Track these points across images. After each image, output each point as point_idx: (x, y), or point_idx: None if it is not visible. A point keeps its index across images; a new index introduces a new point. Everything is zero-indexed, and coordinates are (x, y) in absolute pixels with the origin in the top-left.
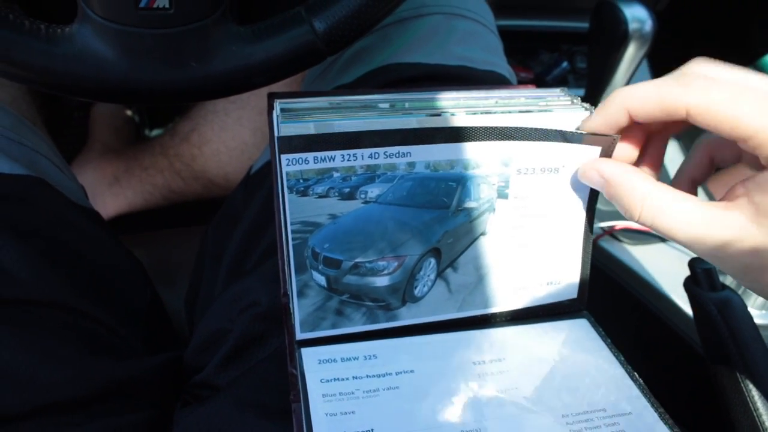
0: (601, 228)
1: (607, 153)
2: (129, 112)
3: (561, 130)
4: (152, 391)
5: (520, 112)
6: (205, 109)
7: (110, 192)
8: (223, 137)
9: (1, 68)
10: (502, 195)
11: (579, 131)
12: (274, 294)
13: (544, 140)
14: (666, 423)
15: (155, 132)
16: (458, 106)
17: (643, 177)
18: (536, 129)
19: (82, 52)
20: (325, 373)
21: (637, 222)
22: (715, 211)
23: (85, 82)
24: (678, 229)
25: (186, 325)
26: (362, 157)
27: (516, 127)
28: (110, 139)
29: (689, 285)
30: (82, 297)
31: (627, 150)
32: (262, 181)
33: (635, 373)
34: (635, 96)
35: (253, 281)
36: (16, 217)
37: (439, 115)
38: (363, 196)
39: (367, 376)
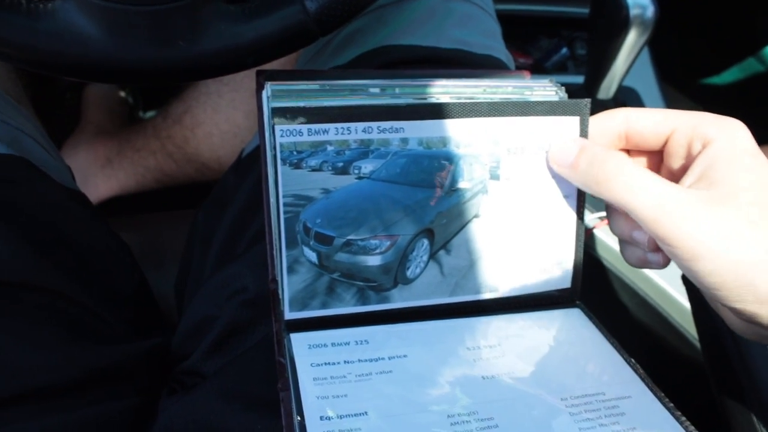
0: (598, 217)
1: (583, 122)
2: (122, 93)
3: (537, 101)
4: (137, 377)
5: (502, 100)
6: (198, 91)
7: (102, 174)
8: (216, 120)
9: None
10: (494, 176)
11: (553, 100)
12: (263, 280)
13: (525, 114)
14: (666, 406)
15: (149, 114)
16: (446, 93)
17: (619, 154)
18: (516, 102)
19: (65, 29)
20: (316, 357)
21: (600, 190)
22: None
23: (68, 59)
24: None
25: (175, 309)
26: (356, 131)
27: (499, 102)
28: (103, 121)
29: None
30: (66, 280)
31: None
32: (253, 165)
33: (632, 359)
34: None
35: (241, 266)
36: None
37: (425, 100)
38: (356, 171)
39: (359, 360)
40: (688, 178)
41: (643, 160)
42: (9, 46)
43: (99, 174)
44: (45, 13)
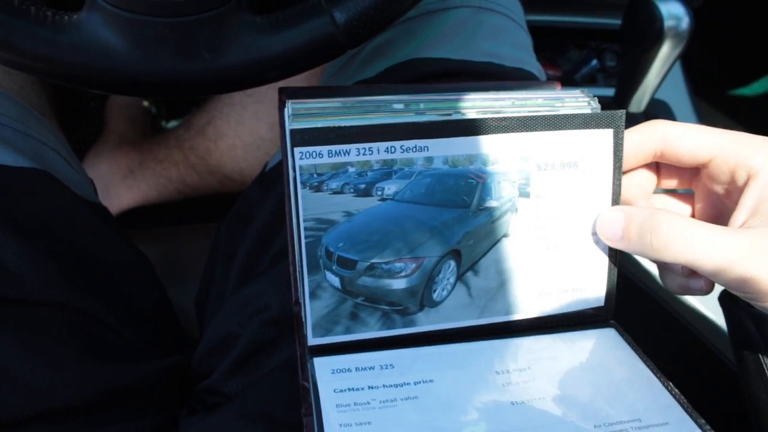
0: None
1: (617, 135)
2: (146, 103)
3: (569, 114)
4: (157, 396)
5: (530, 113)
6: (222, 102)
7: (124, 184)
8: (239, 131)
9: (4, 57)
10: (523, 194)
11: (585, 113)
12: (286, 299)
13: (557, 128)
14: None
15: (172, 123)
16: (473, 107)
17: (668, 214)
18: (547, 116)
19: (90, 41)
20: (339, 383)
21: (660, 256)
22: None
23: (92, 72)
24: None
25: (195, 325)
26: (378, 151)
27: (529, 116)
28: (126, 130)
29: (725, 299)
30: (86, 297)
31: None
32: (277, 179)
33: (669, 383)
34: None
35: (264, 284)
36: (19, 212)
37: (451, 116)
38: (379, 192)
39: (384, 386)
40: (741, 214)
41: (675, 177)
42: (33, 58)
43: (121, 184)
44: (70, 25)
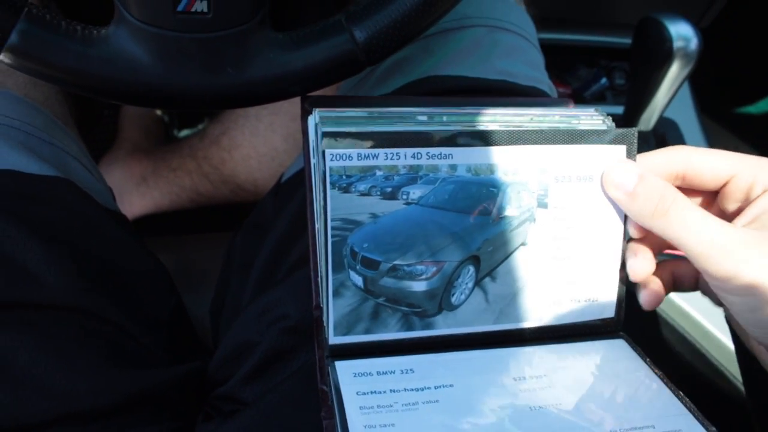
0: None
1: (630, 151)
2: (159, 112)
3: (584, 129)
4: (174, 402)
5: (550, 128)
6: (237, 113)
7: (137, 192)
8: (254, 142)
9: (36, 69)
10: (542, 204)
11: (601, 129)
12: (305, 307)
13: (573, 143)
14: None
15: (184, 132)
16: (494, 121)
17: (676, 190)
18: (564, 130)
19: (117, 55)
20: (361, 385)
21: (653, 224)
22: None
23: (119, 85)
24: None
25: (210, 333)
26: (405, 157)
27: (548, 129)
28: (139, 139)
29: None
30: (107, 303)
31: None
32: (293, 191)
33: (680, 392)
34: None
35: (283, 293)
36: (43, 219)
37: (474, 128)
38: (405, 196)
39: (405, 389)
40: (742, 219)
41: (695, 200)
42: (63, 71)
43: (134, 192)
44: (98, 39)
